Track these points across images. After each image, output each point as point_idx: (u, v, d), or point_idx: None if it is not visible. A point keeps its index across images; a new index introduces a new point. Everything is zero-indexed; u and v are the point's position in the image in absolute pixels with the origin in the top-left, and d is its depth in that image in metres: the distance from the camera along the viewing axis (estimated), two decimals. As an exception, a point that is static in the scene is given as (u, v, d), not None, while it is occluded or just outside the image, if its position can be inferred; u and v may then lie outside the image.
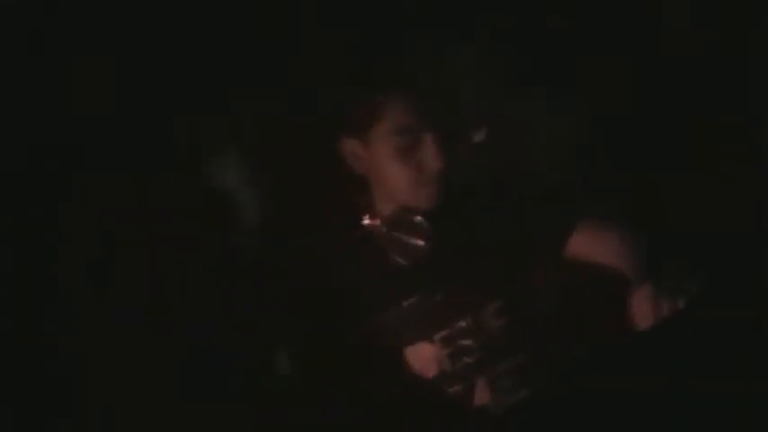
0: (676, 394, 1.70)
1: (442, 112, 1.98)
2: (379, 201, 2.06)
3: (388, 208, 2.03)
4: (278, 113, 2.20)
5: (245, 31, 2.22)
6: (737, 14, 2.34)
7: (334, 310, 2.03)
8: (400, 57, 2.05)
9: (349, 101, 1.99)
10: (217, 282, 2.12)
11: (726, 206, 2.25)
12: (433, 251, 2.01)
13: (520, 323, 2.04)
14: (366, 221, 2.05)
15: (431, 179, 1.97)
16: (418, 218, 2.00)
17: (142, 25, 2.16)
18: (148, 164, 2.18)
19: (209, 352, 2.10)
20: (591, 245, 2.06)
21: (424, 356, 2.03)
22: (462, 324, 2.02)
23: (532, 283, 2.07)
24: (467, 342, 2.02)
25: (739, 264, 1.93)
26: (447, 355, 2.01)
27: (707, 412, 1.68)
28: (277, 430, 1.99)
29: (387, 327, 2.03)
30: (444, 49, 2.17)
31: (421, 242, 2.01)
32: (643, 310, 1.83)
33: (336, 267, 2.06)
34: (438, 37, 2.21)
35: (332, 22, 2.23)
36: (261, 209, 2.21)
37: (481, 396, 2.02)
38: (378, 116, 1.96)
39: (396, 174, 1.98)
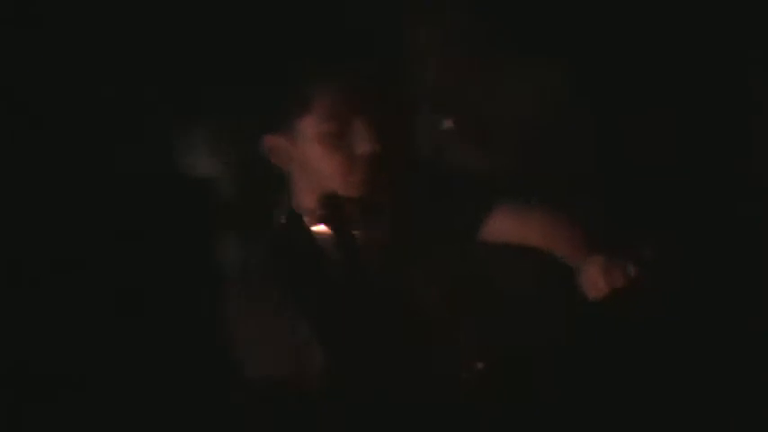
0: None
1: (371, 95, 1.93)
2: (303, 196, 2.02)
3: (312, 201, 1.98)
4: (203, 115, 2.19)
5: (171, 28, 2.20)
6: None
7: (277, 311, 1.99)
8: (324, 46, 2.01)
9: (271, 96, 1.96)
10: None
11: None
12: (360, 241, 1.97)
13: (455, 308, 2.00)
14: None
15: (362, 164, 1.92)
16: (340, 208, 1.96)
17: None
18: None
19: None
20: (513, 228, 2.02)
21: None
22: None
23: (458, 266, 2.04)
24: None
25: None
26: None
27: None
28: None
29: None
30: (374, 33, 2.14)
31: (345, 234, 1.97)
32: (594, 280, 1.80)
33: (266, 267, 2.02)
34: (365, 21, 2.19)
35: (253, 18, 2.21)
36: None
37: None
38: (304, 108, 1.92)
39: (326, 162, 1.92)
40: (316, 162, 1.93)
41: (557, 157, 2.30)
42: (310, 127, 1.91)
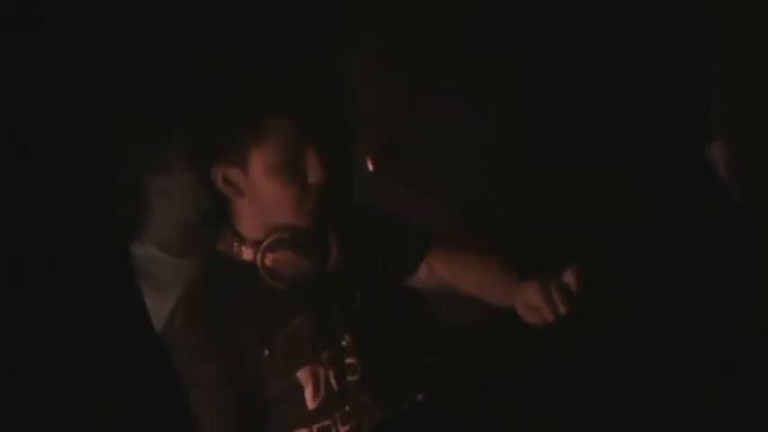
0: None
1: (323, 125, 1.97)
2: (250, 226, 2.01)
3: (259, 231, 1.99)
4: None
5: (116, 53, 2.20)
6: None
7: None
8: (274, 75, 2.03)
9: (223, 128, 1.96)
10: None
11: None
12: (307, 271, 1.98)
13: (397, 339, 2.05)
14: (235, 249, 2.00)
15: (313, 193, 1.95)
16: (289, 237, 1.96)
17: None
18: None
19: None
20: (448, 273, 2.08)
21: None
22: (343, 343, 2.00)
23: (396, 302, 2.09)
24: (350, 360, 2.00)
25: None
26: (333, 375, 1.99)
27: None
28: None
29: (276, 353, 2.00)
30: (322, 62, 2.17)
31: (294, 263, 1.97)
32: (533, 303, 1.87)
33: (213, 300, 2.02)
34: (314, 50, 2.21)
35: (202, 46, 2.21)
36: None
37: (371, 413, 2.01)
38: (256, 138, 1.93)
39: (278, 192, 1.96)
40: (267, 192, 1.96)
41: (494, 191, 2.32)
42: (262, 157, 1.94)
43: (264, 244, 1.97)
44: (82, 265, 2.08)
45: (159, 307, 2.09)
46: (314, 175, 1.94)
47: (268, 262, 1.97)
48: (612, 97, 2.31)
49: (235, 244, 2.00)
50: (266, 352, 1.97)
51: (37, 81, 2.05)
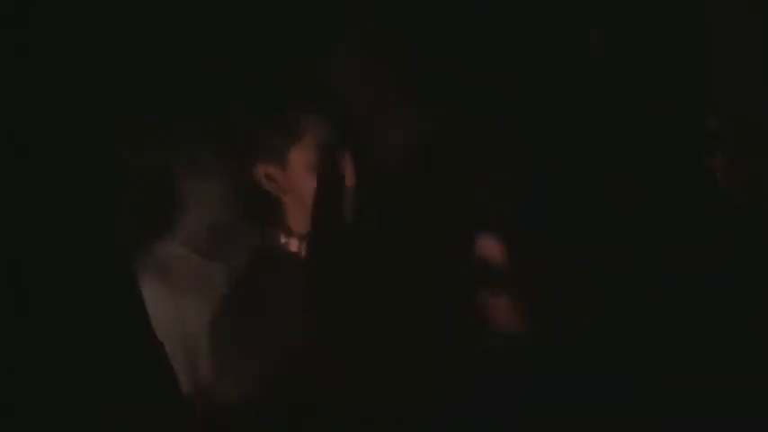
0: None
1: (361, 125, 1.99)
2: (293, 220, 2.04)
3: (304, 225, 2.01)
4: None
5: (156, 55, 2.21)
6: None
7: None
8: (312, 77, 2.06)
9: (263, 126, 1.99)
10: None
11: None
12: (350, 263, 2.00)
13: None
14: (282, 241, 2.03)
15: (350, 191, 2.00)
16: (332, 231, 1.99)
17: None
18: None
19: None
20: None
21: None
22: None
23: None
24: None
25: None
26: None
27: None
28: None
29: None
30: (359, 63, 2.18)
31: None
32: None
33: (257, 289, 2.03)
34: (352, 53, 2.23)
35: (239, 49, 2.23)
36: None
37: None
38: (296, 137, 1.96)
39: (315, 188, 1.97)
40: (306, 189, 1.98)
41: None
42: (301, 156, 1.95)
43: (309, 236, 2.00)
44: (82, 265, 2.08)
45: (176, 307, 2.10)
46: (351, 173, 1.97)
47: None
48: (612, 97, 2.31)
49: (282, 236, 2.03)
50: None
51: (41, 78, 2.05)
